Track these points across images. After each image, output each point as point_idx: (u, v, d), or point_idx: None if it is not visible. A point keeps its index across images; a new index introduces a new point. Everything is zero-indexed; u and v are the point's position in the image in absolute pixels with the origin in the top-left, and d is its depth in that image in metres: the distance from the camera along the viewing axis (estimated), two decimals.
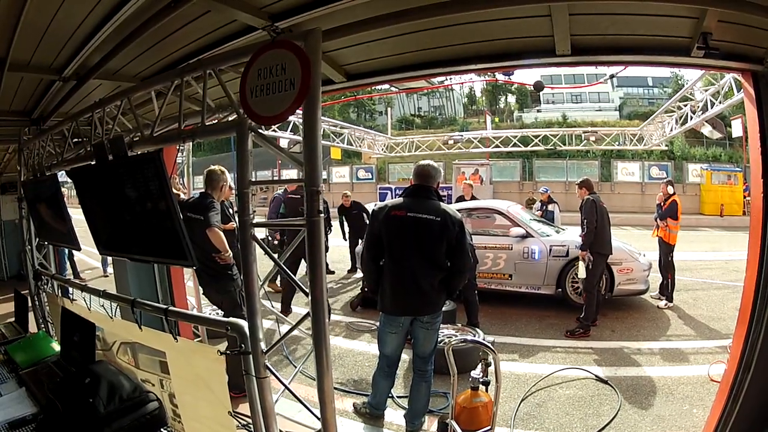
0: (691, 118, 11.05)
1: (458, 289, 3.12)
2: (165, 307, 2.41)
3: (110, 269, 6.29)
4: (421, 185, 3.05)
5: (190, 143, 4.44)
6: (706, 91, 10.05)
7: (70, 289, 3.53)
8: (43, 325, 3.77)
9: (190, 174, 4.52)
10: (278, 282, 6.64)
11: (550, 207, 8.52)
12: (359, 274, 7.61)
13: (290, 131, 12.15)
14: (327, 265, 8.05)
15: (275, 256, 2.10)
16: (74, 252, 5.02)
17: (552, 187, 9.39)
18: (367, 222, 9.13)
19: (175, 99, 2.41)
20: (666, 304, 5.91)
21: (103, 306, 2.85)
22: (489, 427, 2.47)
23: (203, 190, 3.62)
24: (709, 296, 6.47)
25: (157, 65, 2.89)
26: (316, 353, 2.01)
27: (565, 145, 17.69)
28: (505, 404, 3.44)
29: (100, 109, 2.87)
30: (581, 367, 4.07)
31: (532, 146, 17.98)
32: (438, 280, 2.93)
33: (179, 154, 4.80)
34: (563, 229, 6.80)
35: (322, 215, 1.91)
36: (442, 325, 4.15)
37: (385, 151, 19.90)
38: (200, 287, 3.87)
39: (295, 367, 4.00)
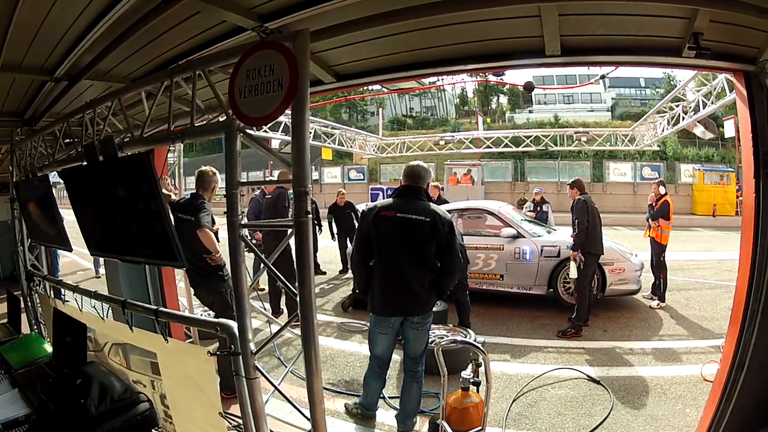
0: (683, 118, 11.09)
1: (448, 290, 3.12)
2: (155, 308, 2.40)
3: (102, 270, 6.28)
4: (411, 186, 3.04)
5: (181, 144, 4.45)
6: (698, 91, 10.08)
7: (63, 290, 3.53)
8: (35, 326, 3.76)
9: (181, 175, 4.51)
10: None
11: (544, 207, 8.54)
12: (350, 275, 7.61)
13: (281, 132, 12.15)
14: (318, 265, 8.12)
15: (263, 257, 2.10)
16: (64, 253, 5.03)
17: (544, 188, 9.41)
18: (357, 223, 9.17)
19: (165, 100, 2.40)
20: (658, 304, 5.92)
21: (94, 307, 2.85)
22: (480, 428, 2.48)
23: (194, 191, 3.62)
24: (701, 296, 6.49)
25: (148, 66, 2.89)
26: (305, 354, 2.01)
27: (556, 145, 17.75)
28: (496, 404, 3.44)
29: (91, 110, 2.86)
30: (573, 367, 4.07)
31: (524, 147, 18.05)
32: (428, 280, 2.92)
33: (170, 155, 4.80)
34: (555, 230, 6.81)
35: (310, 215, 1.91)
36: (433, 326, 4.16)
37: (376, 152, 19.96)
38: (191, 288, 3.87)
39: (287, 368, 4.02)
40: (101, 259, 6.05)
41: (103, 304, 2.79)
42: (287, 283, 2.07)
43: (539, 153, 19.70)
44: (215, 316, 3.38)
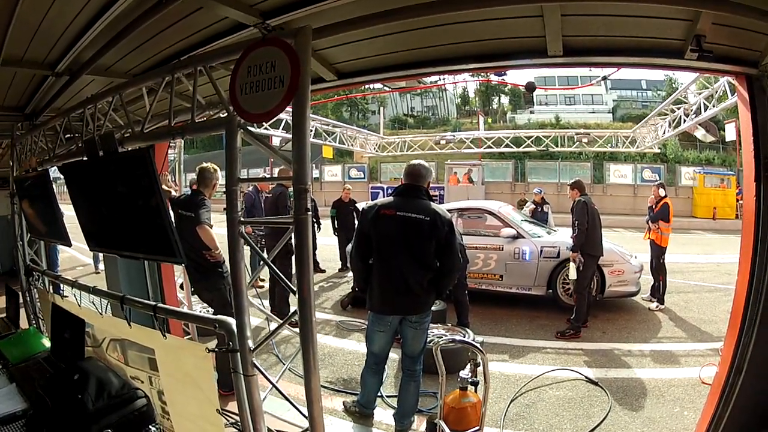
0: (684, 121, 11.06)
1: (447, 290, 3.11)
2: (154, 303, 2.40)
3: (102, 266, 6.28)
4: (411, 185, 3.04)
5: (182, 141, 4.45)
6: (699, 94, 10.05)
7: (62, 285, 3.52)
8: (34, 321, 3.76)
9: (181, 171, 4.50)
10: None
11: (544, 208, 8.52)
12: (350, 273, 7.60)
13: (282, 129, 12.13)
14: (317, 263, 8.11)
15: (263, 254, 2.09)
16: (64, 248, 5.01)
17: (544, 189, 9.39)
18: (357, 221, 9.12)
19: (166, 96, 2.40)
20: (657, 306, 5.92)
21: (93, 302, 2.84)
22: (477, 428, 2.47)
23: (195, 188, 3.62)
24: (700, 299, 6.49)
25: (149, 62, 2.88)
26: (303, 351, 2.01)
27: (557, 146, 17.70)
28: (494, 405, 3.44)
29: (91, 105, 2.86)
30: (571, 368, 4.07)
31: (524, 147, 18.01)
32: (427, 279, 2.91)
33: (170, 151, 4.79)
34: (555, 230, 6.81)
35: (310, 213, 1.90)
36: (432, 325, 4.15)
37: (377, 151, 19.95)
38: (190, 285, 3.86)
39: (285, 365, 4.01)
40: (101, 255, 6.04)
41: (102, 299, 2.79)
42: (286, 280, 2.07)
43: (540, 154, 19.70)
44: (214, 313, 3.38)
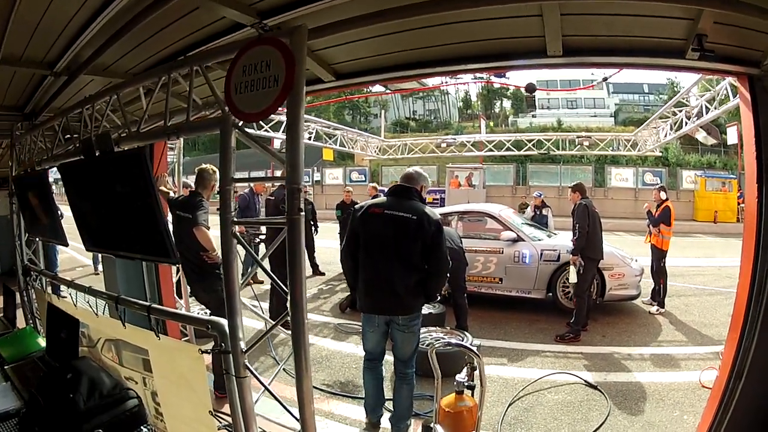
0: (686, 123, 10.96)
1: (436, 293, 3.04)
2: (148, 304, 2.37)
3: (101, 267, 6.26)
4: (403, 185, 3.03)
5: (181, 142, 4.43)
6: (701, 96, 9.96)
7: (60, 285, 3.50)
8: (31, 321, 3.74)
9: (181, 173, 4.48)
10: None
11: (544, 211, 8.47)
12: None
13: (283, 132, 12.10)
14: (317, 266, 8.05)
15: (254, 253, 2.06)
16: (64, 249, 4.98)
17: (545, 192, 9.33)
18: None
19: (163, 96, 2.38)
20: (658, 310, 5.85)
21: (88, 302, 2.82)
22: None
23: (193, 189, 3.59)
24: (701, 302, 6.41)
25: (147, 62, 2.85)
26: (295, 353, 1.97)
27: (558, 149, 17.60)
28: (492, 408, 3.39)
29: (89, 105, 2.83)
30: (570, 372, 4.01)
31: (525, 150, 17.89)
32: (413, 281, 2.86)
33: (170, 153, 4.76)
34: (555, 234, 6.75)
35: (303, 213, 1.87)
36: (430, 328, 4.09)
37: (377, 153, 19.79)
38: (188, 286, 3.83)
39: (284, 369, 3.96)
40: (100, 256, 6.03)
41: (98, 299, 2.76)
42: (279, 282, 2.03)
43: (541, 157, 19.56)
44: (211, 315, 3.35)
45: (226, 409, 2.35)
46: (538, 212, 8.44)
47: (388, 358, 3.16)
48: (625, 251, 6.15)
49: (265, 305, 5.27)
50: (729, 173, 19.08)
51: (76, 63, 2.93)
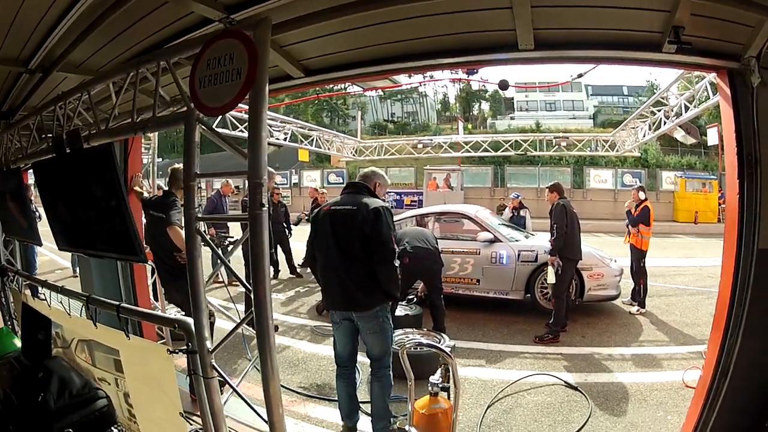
0: (665, 123, 10.89)
1: (391, 286, 2.83)
2: (117, 303, 2.31)
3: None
4: (353, 182, 3.04)
5: (155, 142, 4.37)
6: (681, 96, 9.90)
7: (40, 287, 3.45)
8: (9, 322, 3.68)
9: (155, 173, 4.42)
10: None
11: (522, 213, 8.42)
12: None
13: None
14: (295, 267, 7.99)
15: (219, 251, 2.00)
16: (43, 251, 4.90)
17: (524, 194, 9.25)
18: None
19: (131, 92, 2.34)
20: (638, 310, 5.78)
21: (60, 302, 2.76)
22: None
23: (167, 189, 3.53)
24: (682, 302, 6.33)
25: (119, 59, 2.80)
26: (260, 354, 1.91)
27: (536, 150, 17.51)
28: (471, 410, 3.32)
29: (62, 102, 2.79)
30: (550, 373, 3.93)
31: (503, 151, 17.82)
32: (361, 274, 2.77)
33: (145, 153, 4.71)
34: (533, 235, 6.67)
35: (265, 208, 1.81)
36: (407, 330, 4.03)
37: (354, 155, 19.67)
38: (162, 287, 3.76)
39: (257, 368, 3.88)
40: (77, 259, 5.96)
41: (71, 300, 2.71)
42: (242, 280, 1.97)
43: (520, 159, 19.47)
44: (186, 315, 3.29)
45: None
46: (516, 213, 8.41)
47: (363, 359, 3.09)
48: (604, 252, 6.08)
49: (241, 307, 5.19)
50: (709, 174, 18.96)
51: (50, 60, 2.89)
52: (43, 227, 3.48)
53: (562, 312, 4.88)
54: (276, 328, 3.85)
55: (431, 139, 19.57)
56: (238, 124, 11.72)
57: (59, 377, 2.43)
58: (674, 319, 5.53)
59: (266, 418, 2.01)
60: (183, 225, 3.30)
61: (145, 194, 3.78)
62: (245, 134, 10.91)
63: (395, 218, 3.36)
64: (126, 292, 3.69)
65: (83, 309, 2.74)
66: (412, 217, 6.77)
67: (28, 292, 3.44)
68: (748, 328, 2.28)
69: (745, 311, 2.30)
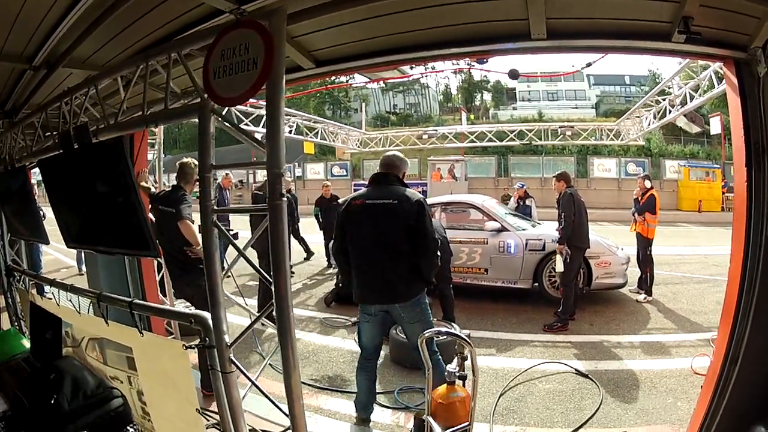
0: (670, 111, 10.84)
1: (431, 274, 2.90)
2: (130, 300, 2.26)
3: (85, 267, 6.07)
4: (381, 173, 2.95)
5: (161, 137, 4.28)
6: (685, 85, 9.85)
7: (45, 285, 3.37)
8: (16, 323, 3.59)
9: (161, 169, 4.33)
10: None
11: (527, 202, 8.30)
12: (334, 270, 7.38)
13: (263, 126, 11.87)
14: (308, 246, 8.03)
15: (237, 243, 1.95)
16: (48, 250, 4.77)
17: (527, 184, 9.12)
18: None
19: (141, 89, 2.27)
20: (645, 298, 5.77)
21: (70, 300, 2.69)
22: (467, 423, 2.32)
23: (175, 183, 3.46)
24: (688, 290, 6.31)
25: (126, 53, 2.72)
26: (282, 347, 1.87)
27: (540, 140, 17.23)
28: (483, 399, 3.30)
29: (68, 98, 2.71)
30: (561, 361, 3.91)
31: (507, 141, 17.52)
32: (405, 267, 2.76)
33: (150, 150, 4.60)
34: (539, 224, 6.62)
35: (284, 199, 1.77)
36: None
37: (359, 146, 19.39)
38: (171, 281, 3.68)
39: (270, 364, 3.82)
40: (84, 256, 5.84)
41: (80, 297, 2.64)
42: (263, 273, 1.92)
43: (523, 149, 19.20)
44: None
45: (214, 407, 2.25)
46: (521, 203, 8.28)
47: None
48: (610, 240, 6.06)
49: (250, 301, 5.11)
50: (713, 163, 18.78)
51: (55, 56, 2.81)
52: (49, 226, 3.41)
53: (570, 300, 4.85)
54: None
55: (436, 130, 19.27)
56: (243, 117, 11.49)
57: (72, 377, 2.38)
58: (681, 307, 5.51)
59: (286, 412, 1.97)
60: (193, 219, 3.28)
61: (153, 189, 3.70)
62: (251, 128, 10.91)
63: None
64: (134, 288, 3.62)
65: (90, 307, 2.69)
66: None
67: (34, 291, 3.36)
68: (758, 315, 2.25)
69: (755, 297, 2.26)
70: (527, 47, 2.39)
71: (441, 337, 3.25)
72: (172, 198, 3.35)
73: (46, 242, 3.28)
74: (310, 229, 8.61)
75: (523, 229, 5.99)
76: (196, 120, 1.95)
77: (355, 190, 17.83)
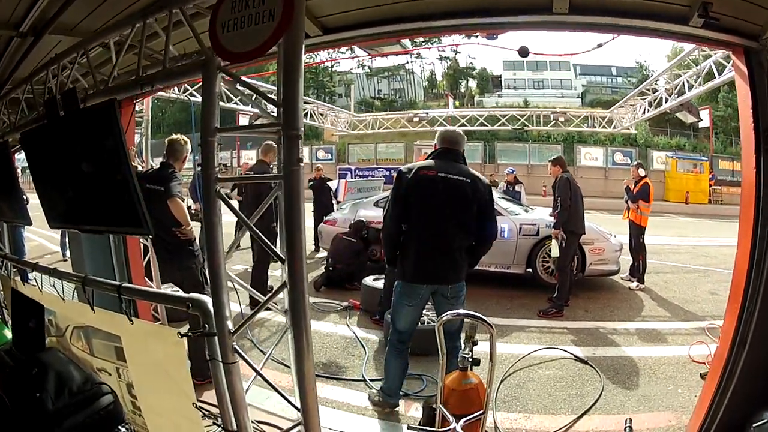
0: (666, 101, 10.49)
1: (480, 259, 2.77)
2: (118, 283, 1.87)
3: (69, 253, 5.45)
4: (449, 148, 2.63)
5: (149, 115, 3.82)
6: (684, 74, 9.51)
7: (28, 272, 2.91)
8: None
9: (149, 148, 3.88)
10: None
11: (517, 188, 8.01)
12: (323, 254, 6.92)
13: (250, 106, 11.19)
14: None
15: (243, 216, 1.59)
16: (32, 237, 4.25)
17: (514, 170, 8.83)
18: (334, 200, 8.61)
19: (134, 57, 1.89)
20: (638, 286, 5.53)
21: (53, 285, 2.27)
22: (482, 411, 2.03)
23: (163, 161, 3.05)
24: (680, 279, 6.10)
25: (118, 18, 2.33)
26: (295, 332, 1.55)
27: (532, 125, 16.42)
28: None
29: (55, 66, 2.30)
30: (560, 347, 3.65)
31: (499, 125, 16.62)
32: (465, 246, 2.57)
33: (137, 132, 4.14)
34: (532, 209, 6.31)
35: (302, 164, 1.43)
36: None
37: (348, 129, 18.44)
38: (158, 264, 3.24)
39: (262, 351, 3.44)
40: (68, 241, 5.26)
41: (64, 282, 2.22)
42: (273, 248, 1.58)
43: (509, 135, 18.53)
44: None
45: (206, 396, 1.94)
46: (510, 188, 7.99)
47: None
48: (603, 227, 5.78)
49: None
50: (699, 155, 18.30)
51: (42, 21, 2.41)
52: (33, 211, 2.94)
53: (566, 286, 4.60)
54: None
55: (426, 113, 18.36)
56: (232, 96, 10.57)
57: (56, 372, 1.99)
58: (673, 296, 5.29)
59: (297, 405, 1.63)
60: (184, 197, 2.87)
61: (140, 168, 3.25)
62: (239, 107, 10.11)
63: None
64: (120, 272, 3.15)
65: (74, 292, 2.27)
66: None
67: (18, 278, 2.89)
68: (766, 298, 2.11)
69: (763, 281, 2.12)
70: (547, 21, 2.13)
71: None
72: (160, 176, 2.93)
73: (29, 223, 2.82)
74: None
75: (517, 214, 5.65)
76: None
77: (340, 175, 16.95)
